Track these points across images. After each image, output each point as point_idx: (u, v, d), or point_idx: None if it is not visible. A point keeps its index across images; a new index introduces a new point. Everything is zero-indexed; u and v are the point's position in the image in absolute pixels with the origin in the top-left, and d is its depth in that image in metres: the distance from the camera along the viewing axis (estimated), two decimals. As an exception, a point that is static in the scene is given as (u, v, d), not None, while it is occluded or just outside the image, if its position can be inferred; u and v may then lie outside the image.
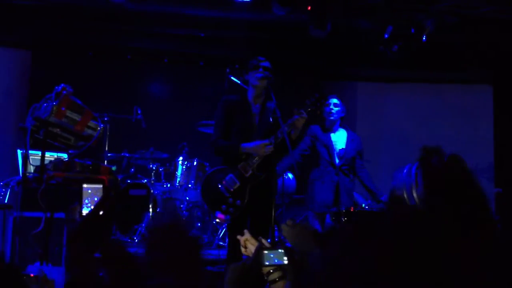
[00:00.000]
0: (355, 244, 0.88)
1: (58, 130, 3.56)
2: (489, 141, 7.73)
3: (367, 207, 4.97)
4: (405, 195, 4.12)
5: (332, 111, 4.97)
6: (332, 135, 5.06)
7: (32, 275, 2.40)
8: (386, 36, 6.03)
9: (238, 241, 4.17)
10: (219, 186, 3.97)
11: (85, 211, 1.51)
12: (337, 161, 4.97)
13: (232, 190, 3.94)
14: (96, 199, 1.48)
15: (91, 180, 1.58)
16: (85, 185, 1.51)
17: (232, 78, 4.86)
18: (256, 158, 3.92)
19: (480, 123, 7.89)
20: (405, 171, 4.50)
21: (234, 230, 4.02)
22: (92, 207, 1.37)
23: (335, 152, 4.99)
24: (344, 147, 5.00)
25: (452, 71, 7.77)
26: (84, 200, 1.51)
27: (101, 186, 1.55)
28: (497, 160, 7.61)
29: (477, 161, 7.17)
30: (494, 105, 7.77)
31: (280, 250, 1.84)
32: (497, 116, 7.72)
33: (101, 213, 1.31)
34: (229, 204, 3.92)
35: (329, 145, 4.99)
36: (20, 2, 6.37)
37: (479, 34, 6.61)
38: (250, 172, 3.93)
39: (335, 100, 4.99)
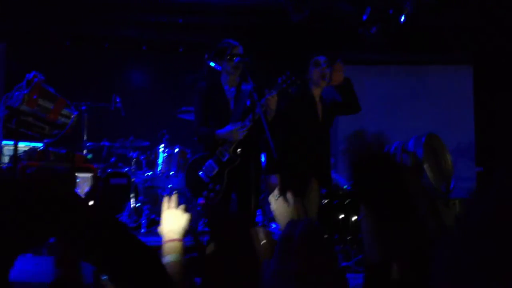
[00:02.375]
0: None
1: (31, 118, 3.50)
2: (470, 122, 7.78)
3: (349, 188, 4.97)
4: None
5: (327, 71, 4.24)
6: None
7: None
8: (365, 18, 6.01)
9: (219, 225, 4.15)
10: (200, 173, 4.04)
11: None
12: None
13: (211, 175, 4.01)
14: (86, 189, 1.39)
15: (80, 170, 1.49)
16: (76, 174, 1.42)
17: (211, 64, 4.83)
18: (231, 142, 3.96)
19: (461, 103, 7.93)
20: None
21: (216, 214, 4.05)
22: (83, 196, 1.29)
23: None
24: None
25: (432, 52, 7.77)
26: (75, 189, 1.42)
27: (91, 175, 1.46)
28: (478, 140, 7.66)
29: (458, 141, 7.25)
30: (474, 85, 7.81)
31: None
32: (477, 96, 7.77)
33: (90, 203, 1.25)
34: (209, 189, 3.98)
35: None
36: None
37: (458, 15, 6.61)
38: (227, 156, 3.97)
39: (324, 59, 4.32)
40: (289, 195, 1.87)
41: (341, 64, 4.19)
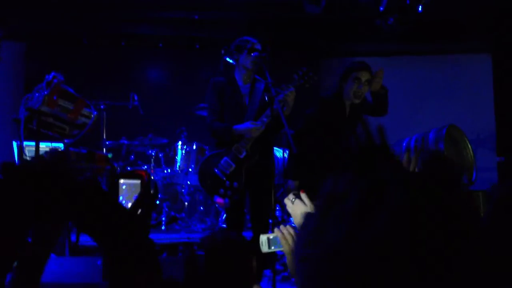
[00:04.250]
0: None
1: (51, 119, 3.52)
2: (490, 111, 7.67)
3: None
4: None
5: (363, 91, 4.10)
6: None
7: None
8: (382, 8, 5.94)
9: (237, 223, 4.13)
10: (215, 170, 3.94)
11: None
12: None
13: (228, 173, 3.92)
14: (134, 196, 1.36)
15: (129, 176, 1.45)
16: (121, 181, 1.39)
17: (227, 59, 4.82)
18: (249, 139, 3.89)
19: (480, 93, 7.82)
20: (404, 144, 4.45)
21: (233, 213, 4.02)
22: (129, 205, 1.27)
23: None
24: None
25: (450, 41, 7.67)
26: (119, 197, 1.39)
27: (139, 181, 1.42)
28: (498, 129, 7.55)
29: (478, 131, 7.17)
30: (493, 74, 7.69)
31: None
32: (497, 85, 7.65)
33: (139, 211, 1.24)
34: (226, 187, 3.91)
35: None
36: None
37: (475, 3, 6.51)
38: (245, 153, 3.91)
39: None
40: (303, 197, 1.85)
41: (383, 72, 4.09)
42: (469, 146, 4.08)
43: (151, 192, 1.38)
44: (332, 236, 0.77)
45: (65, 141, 3.80)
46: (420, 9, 5.69)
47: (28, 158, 3.73)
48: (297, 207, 1.84)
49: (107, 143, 5.95)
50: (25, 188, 1.04)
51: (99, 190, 1.14)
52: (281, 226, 1.87)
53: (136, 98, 6.16)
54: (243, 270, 1.78)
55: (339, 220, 0.78)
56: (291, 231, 1.84)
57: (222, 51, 5.05)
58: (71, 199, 1.07)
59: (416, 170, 1.67)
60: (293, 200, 1.86)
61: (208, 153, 4.21)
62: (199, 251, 1.95)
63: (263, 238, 1.88)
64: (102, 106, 5.85)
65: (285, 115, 3.79)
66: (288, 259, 1.82)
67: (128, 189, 1.36)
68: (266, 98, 3.93)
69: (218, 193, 3.89)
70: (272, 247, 1.83)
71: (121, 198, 1.36)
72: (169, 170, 6.22)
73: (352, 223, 0.75)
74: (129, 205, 1.24)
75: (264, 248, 1.88)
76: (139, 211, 1.21)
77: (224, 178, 3.91)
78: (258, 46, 4.01)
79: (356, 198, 0.78)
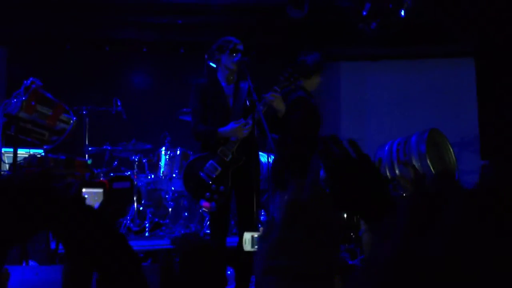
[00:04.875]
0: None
1: (30, 125, 3.48)
2: (473, 114, 7.71)
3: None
4: (386, 171, 4.05)
5: None
6: None
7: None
8: (364, 13, 5.96)
9: (221, 228, 4.08)
10: (201, 173, 3.87)
11: None
12: None
13: (214, 176, 3.85)
14: (95, 205, 1.33)
15: (91, 185, 1.42)
16: (83, 190, 1.37)
17: (211, 64, 4.80)
18: (235, 141, 3.85)
19: (464, 96, 7.86)
20: (386, 148, 4.43)
21: (218, 217, 3.97)
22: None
23: None
24: None
25: (433, 45, 7.72)
26: None
27: (101, 190, 1.39)
28: (482, 132, 7.59)
29: (462, 134, 7.18)
30: (476, 77, 7.74)
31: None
32: (480, 88, 7.70)
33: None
34: (212, 191, 3.84)
35: None
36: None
37: (459, 6, 6.55)
38: (230, 156, 3.86)
39: None
40: None
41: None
42: (451, 149, 4.10)
43: (125, 198, 1.36)
44: (381, 252, 0.76)
45: (44, 147, 3.75)
46: (402, 13, 5.71)
47: (6, 165, 3.68)
48: None
49: (89, 148, 5.89)
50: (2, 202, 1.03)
51: (80, 204, 1.12)
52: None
53: (119, 103, 6.10)
54: (215, 273, 1.76)
55: (387, 236, 0.77)
56: None
57: (206, 56, 5.04)
58: (49, 213, 1.05)
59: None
60: None
61: (192, 157, 4.15)
62: (176, 257, 1.93)
63: (247, 236, 1.85)
64: (84, 112, 5.80)
65: (278, 117, 3.80)
66: None
67: (90, 198, 1.34)
68: (248, 103, 3.91)
69: (204, 197, 3.82)
70: (256, 246, 1.79)
71: None
72: (152, 176, 6.17)
73: (406, 239, 0.73)
74: None
75: (247, 247, 1.84)
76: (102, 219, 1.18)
77: (210, 182, 3.84)
78: (240, 47, 3.98)
79: (410, 214, 0.77)
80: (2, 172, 3.64)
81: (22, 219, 1.03)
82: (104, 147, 6.12)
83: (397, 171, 3.83)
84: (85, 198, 1.53)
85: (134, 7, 6.80)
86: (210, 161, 3.88)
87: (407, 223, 0.75)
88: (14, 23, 6.77)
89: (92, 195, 1.37)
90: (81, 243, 1.10)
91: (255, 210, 3.82)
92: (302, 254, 1.04)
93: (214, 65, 4.62)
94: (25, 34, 7.10)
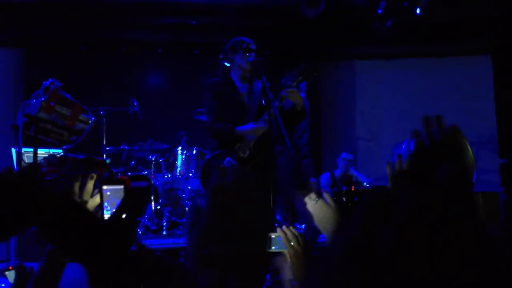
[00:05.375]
0: (376, 225, 0.78)
1: (49, 125, 3.51)
2: (491, 112, 7.65)
3: (368, 185, 4.92)
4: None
5: None
6: None
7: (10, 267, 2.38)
8: (380, 11, 5.94)
9: None
10: None
11: (106, 215, 1.35)
12: None
13: None
14: (117, 201, 1.35)
15: (112, 182, 1.43)
16: (104, 187, 1.39)
17: (225, 64, 4.82)
18: (252, 138, 3.87)
19: (481, 94, 7.80)
20: (403, 146, 4.46)
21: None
22: (114, 210, 1.26)
23: None
24: None
25: (449, 43, 7.66)
26: (104, 203, 1.37)
27: (122, 187, 1.41)
28: (500, 131, 7.53)
29: (479, 133, 7.12)
30: (494, 75, 7.68)
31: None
32: (497, 86, 7.64)
33: (123, 216, 1.23)
34: None
35: None
36: (10, 1, 6.33)
37: (474, 4, 6.50)
38: (248, 152, 3.88)
39: None
40: (326, 196, 1.82)
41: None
42: (469, 147, 4.08)
43: (143, 197, 1.37)
44: (339, 243, 0.79)
45: (64, 147, 3.78)
46: (418, 11, 5.68)
47: (26, 165, 3.72)
48: (320, 207, 1.80)
49: (107, 148, 5.94)
50: None
51: (66, 199, 1.14)
52: (284, 227, 1.83)
53: (135, 103, 6.15)
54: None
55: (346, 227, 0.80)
56: (296, 232, 1.80)
57: (220, 56, 5.06)
58: (34, 208, 1.06)
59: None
60: (316, 200, 1.82)
61: (208, 155, 4.17)
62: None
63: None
64: (101, 112, 5.85)
65: (297, 110, 3.82)
66: (292, 262, 1.78)
67: (112, 195, 1.35)
68: (264, 102, 3.92)
69: None
70: (273, 247, 1.79)
71: (106, 204, 1.35)
72: (169, 175, 6.21)
73: (361, 232, 0.75)
74: (113, 210, 1.24)
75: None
76: (123, 216, 1.20)
77: None
78: (253, 46, 4.01)
79: (366, 209, 0.79)
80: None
81: (7, 214, 1.05)
82: (121, 146, 6.17)
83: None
84: (74, 194, 1.55)
85: (149, 9, 6.85)
86: (228, 158, 3.91)
87: (364, 217, 0.77)
88: (31, 26, 6.85)
89: (113, 191, 1.38)
90: (65, 237, 1.10)
91: (274, 207, 3.84)
92: (231, 240, 1.05)
93: (228, 65, 4.65)
94: (41, 36, 7.18)
